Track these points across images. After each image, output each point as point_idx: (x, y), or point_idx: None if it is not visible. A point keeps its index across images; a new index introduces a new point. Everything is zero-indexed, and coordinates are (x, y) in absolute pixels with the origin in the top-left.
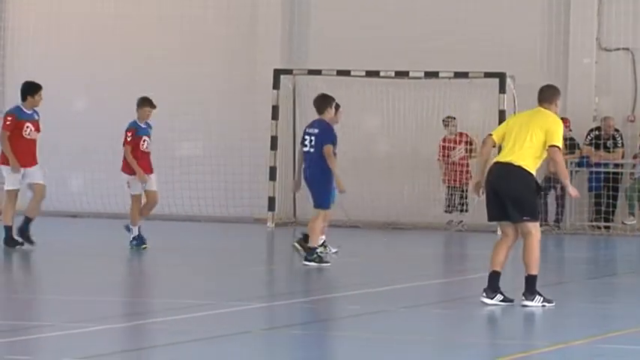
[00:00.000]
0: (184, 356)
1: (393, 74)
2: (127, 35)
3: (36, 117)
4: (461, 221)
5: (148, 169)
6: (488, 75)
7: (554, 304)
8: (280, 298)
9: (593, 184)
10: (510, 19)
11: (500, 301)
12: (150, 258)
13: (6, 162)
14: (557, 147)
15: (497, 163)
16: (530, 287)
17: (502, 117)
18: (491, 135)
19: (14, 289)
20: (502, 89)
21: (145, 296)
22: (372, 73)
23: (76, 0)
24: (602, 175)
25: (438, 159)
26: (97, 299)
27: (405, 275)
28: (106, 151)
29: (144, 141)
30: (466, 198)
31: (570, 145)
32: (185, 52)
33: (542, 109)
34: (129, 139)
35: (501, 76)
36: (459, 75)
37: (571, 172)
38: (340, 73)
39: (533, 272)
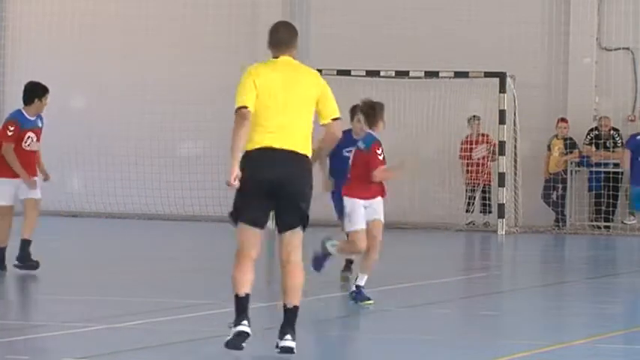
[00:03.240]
0: (184, 356)
1: (393, 74)
2: (127, 35)
3: (40, 124)
4: (486, 222)
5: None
6: (488, 75)
7: None
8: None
9: (593, 183)
10: (510, 19)
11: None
12: (150, 258)
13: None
14: (340, 119)
15: (271, 149)
16: (293, 322)
17: (502, 117)
18: (246, 108)
19: (14, 289)
20: (502, 89)
21: (144, 296)
22: (372, 73)
23: (76, 0)
24: (602, 175)
25: (460, 157)
26: (97, 299)
27: (406, 275)
28: (106, 151)
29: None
30: (489, 199)
31: (570, 144)
32: (185, 52)
33: (301, 65)
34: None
35: (501, 76)
36: (459, 75)
37: (571, 171)
38: (340, 73)
39: (298, 303)
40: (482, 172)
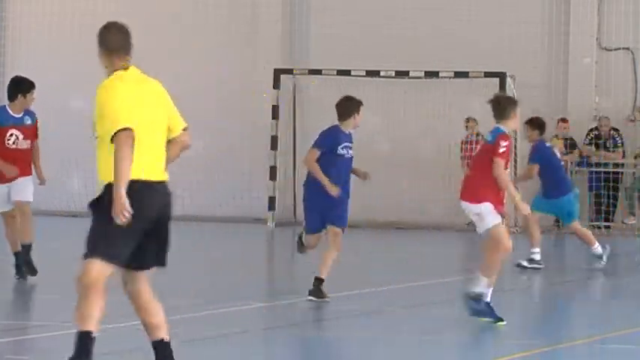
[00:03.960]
0: (184, 356)
1: (393, 74)
2: None
3: (28, 121)
4: None
5: None
6: (488, 75)
7: None
8: (280, 297)
9: (593, 184)
10: (510, 18)
11: None
12: None
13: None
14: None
15: (149, 182)
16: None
17: None
18: (131, 130)
19: (14, 289)
20: (502, 89)
21: None
22: (372, 73)
23: (76, 0)
24: (602, 175)
25: (462, 157)
26: None
27: (405, 275)
28: None
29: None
30: None
31: (570, 145)
32: (185, 52)
33: (147, 76)
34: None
35: (501, 76)
36: (459, 75)
37: (571, 172)
38: (340, 73)
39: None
40: None
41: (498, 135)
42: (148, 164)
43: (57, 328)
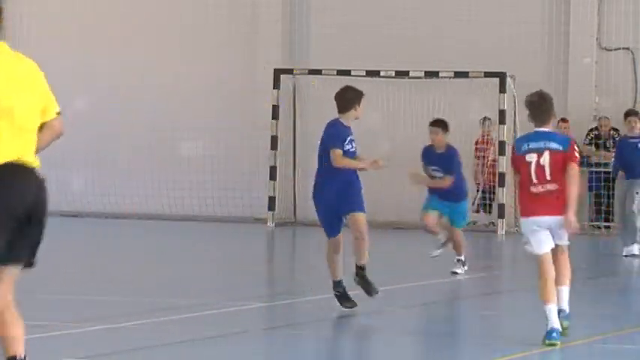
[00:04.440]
0: (184, 356)
1: (393, 74)
2: (128, 35)
3: None
4: (492, 222)
5: None
6: (488, 75)
7: None
8: (280, 297)
9: (593, 183)
10: (510, 19)
11: None
12: (150, 258)
13: None
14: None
15: (15, 164)
16: None
17: (502, 117)
18: None
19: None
20: (502, 89)
21: (144, 296)
22: (372, 73)
23: (76, 0)
24: (602, 175)
25: (476, 157)
26: (97, 299)
27: (405, 275)
28: (106, 151)
29: None
30: (493, 200)
31: None
32: (185, 52)
33: (17, 53)
34: None
35: (501, 76)
36: (459, 75)
37: None
38: (340, 73)
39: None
40: (492, 172)
41: (570, 141)
42: (20, 146)
43: (57, 328)
